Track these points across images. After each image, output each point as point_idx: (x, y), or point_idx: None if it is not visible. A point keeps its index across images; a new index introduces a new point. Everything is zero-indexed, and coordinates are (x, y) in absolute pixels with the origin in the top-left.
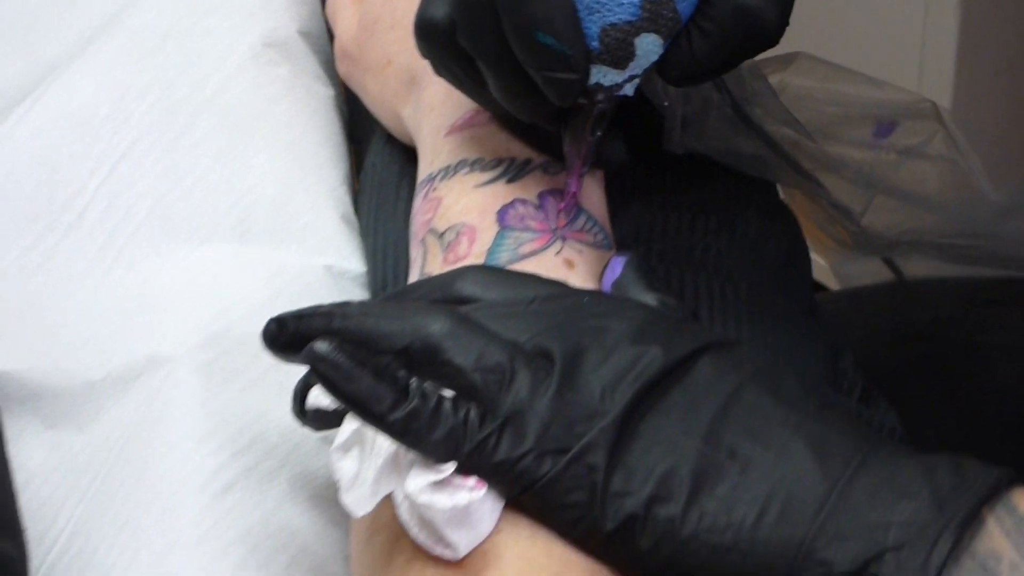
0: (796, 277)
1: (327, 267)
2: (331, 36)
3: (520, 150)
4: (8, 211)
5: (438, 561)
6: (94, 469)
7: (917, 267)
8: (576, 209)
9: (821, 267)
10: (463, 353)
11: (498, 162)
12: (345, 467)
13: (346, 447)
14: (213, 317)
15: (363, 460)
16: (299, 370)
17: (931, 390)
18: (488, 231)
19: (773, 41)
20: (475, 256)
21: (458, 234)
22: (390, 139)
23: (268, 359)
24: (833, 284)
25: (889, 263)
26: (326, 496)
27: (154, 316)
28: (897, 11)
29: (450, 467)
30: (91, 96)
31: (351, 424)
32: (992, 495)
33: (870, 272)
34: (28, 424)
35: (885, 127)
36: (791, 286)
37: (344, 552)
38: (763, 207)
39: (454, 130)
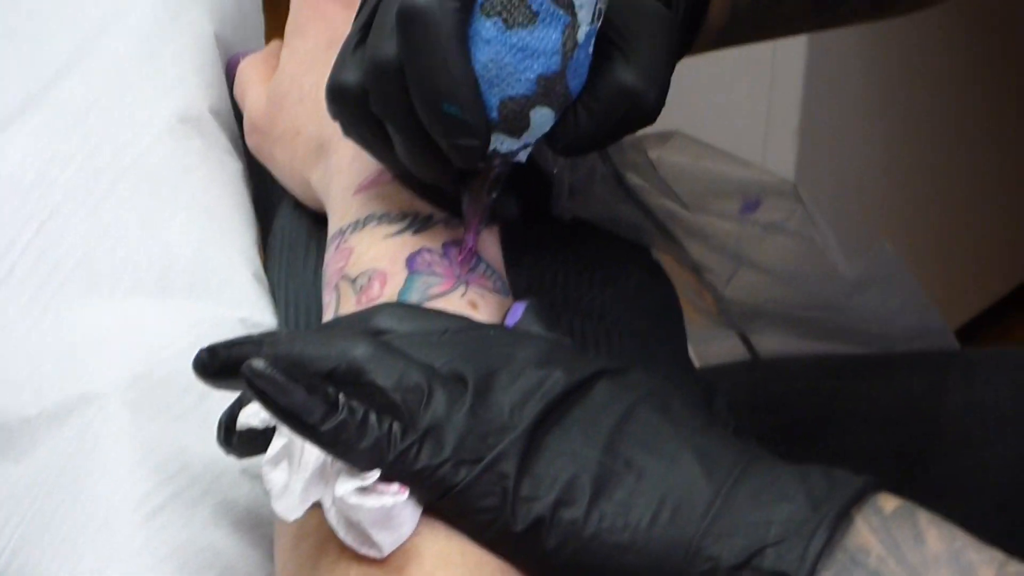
0: (673, 327)
1: (241, 319)
2: (237, 115)
3: (423, 206)
4: None
5: (363, 559)
6: (32, 495)
7: (773, 345)
8: (476, 259)
9: None
10: (384, 375)
11: (403, 215)
12: (275, 478)
13: (275, 461)
14: (139, 359)
15: (292, 472)
16: (221, 405)
17: (785, 456)
18: (398, 275)
19: (651, 120)
20: (387, 298)
21: (370, 279)
22: (297, 205)
23: (191, 399)
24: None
25: (745, 341)
26: (247, 521)
27: (84, 359)
28: (743, 88)
29: (375, 475)
30: (19, 163)
31: (280, 440)
32: (860, 497)
33: (728, 351)
34: None
35: (750, 203)
36: (668, 334)
37: (266, 570)
38: (642, 264)
39: (361, 189)
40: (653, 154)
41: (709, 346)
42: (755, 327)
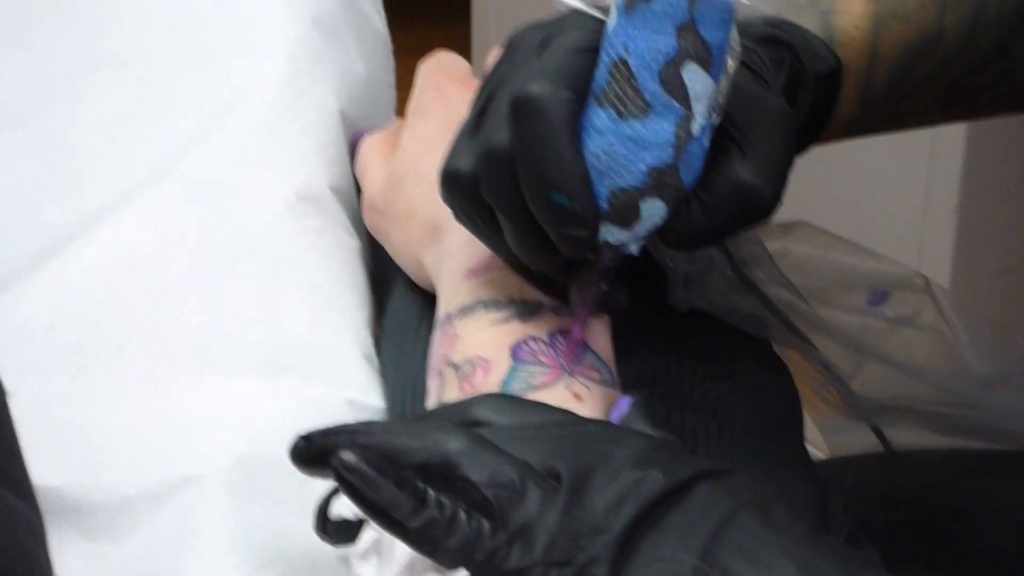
0: (790, 425)
1: (349, 401)
2: (358, 192)
3: (532, 293)
4: (57, 342)
5: None
6: None
7: (905, 437)
8: (583, 349)
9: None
10: (478, 470)
11: (511, 302)
12: (364, 573)
13: (365, 555)
14: (243, 441)
15: (381, 568)
16: (322, 489)
17: (918, 554)
18: (502, 364)
19: (765, 216)
20: (490, 387)
21: (474, 366)
22: (411, 286)
23: (292, 482)
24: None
25: (877, 433)
26: None
27: (188, 439)
28: (898, 193)
29: (463, 574)
30: (136, 239)
31: (370, 534)
32: None
33: (860, 442)
34: (68, 536)
35: (878, 296)
36: (785, 432)
37: None
38: (761, 358)
39: (471, 274)
40: (777, 245)
41: (840, 437)
42: (884, 420)
